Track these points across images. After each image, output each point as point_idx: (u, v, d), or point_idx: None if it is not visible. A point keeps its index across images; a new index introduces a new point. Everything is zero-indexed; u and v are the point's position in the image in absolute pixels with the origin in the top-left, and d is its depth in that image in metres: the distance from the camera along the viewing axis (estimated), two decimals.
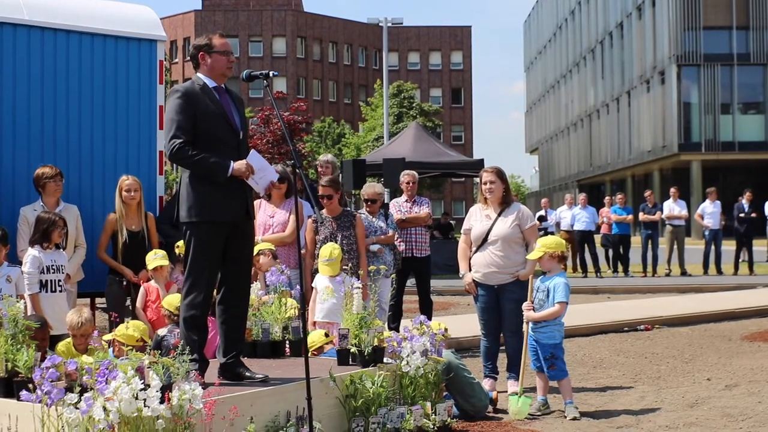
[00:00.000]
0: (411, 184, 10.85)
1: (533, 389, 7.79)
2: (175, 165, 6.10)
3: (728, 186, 44.85)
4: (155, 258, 8.31)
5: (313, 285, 8.38)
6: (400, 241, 10.35)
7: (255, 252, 8.07)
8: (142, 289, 8.32)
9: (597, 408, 7.63)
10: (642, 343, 11.54)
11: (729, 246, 22.75)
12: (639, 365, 9.87)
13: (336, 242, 8.57)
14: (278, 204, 9.06)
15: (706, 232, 21.91)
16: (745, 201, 22.04)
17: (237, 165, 5.82)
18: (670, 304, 15.53)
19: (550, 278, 7.52)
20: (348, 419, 6.09)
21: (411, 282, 10.91)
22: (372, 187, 9.86)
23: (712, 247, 21.73)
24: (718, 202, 22.06)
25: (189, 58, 6.23)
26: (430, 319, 7.85)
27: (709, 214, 21.87)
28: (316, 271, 8.51)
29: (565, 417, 7.22)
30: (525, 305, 7.55)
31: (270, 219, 8.95)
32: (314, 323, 8.10)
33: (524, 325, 7.58)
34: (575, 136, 71.41)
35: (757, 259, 22.84)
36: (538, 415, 7.35)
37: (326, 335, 7.52)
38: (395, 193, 20.90)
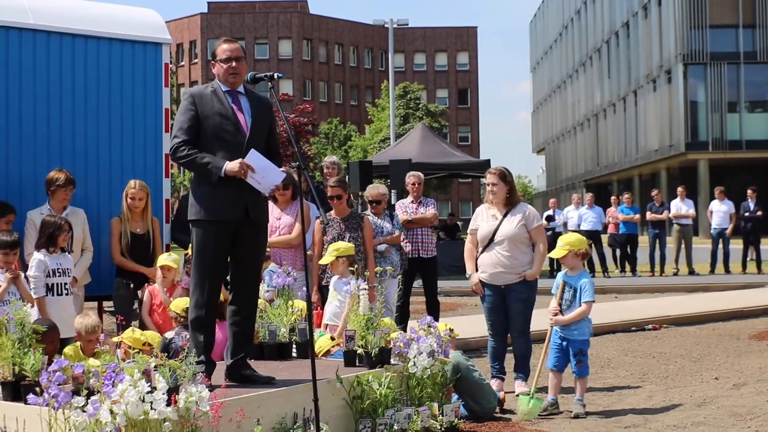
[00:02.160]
0: (417, 185, 10.85)
1: (543, 389, 7.79)
2: (181, 168, 6.19)
3: (736, 185, 44.71)
4: (166, 258, 8.35)
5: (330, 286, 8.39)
6: (406, 242, 10.34)
7: None
8: (147, 293, 8.34)
9: (605, 407, 7.62)
10: (650, 343, 11.52)
11: (737, 245, 22.70)
12: (647, 365, 9.85)
13: None
14: (285, 207, 9.07)
15: (713, 231, 21.89)
16: (750, 199, 22.00)
17: (230, 165, 5.84)
18: (677, 303, 15.51)
19: (576, 277, 7.54)
20: (355, 420, 6.08)
21: (417, 283, 10.91)
22: (376, 188, 9.85)
23: (720, 246, 21.68)
24: (729, 201, 22.02)
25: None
26: (437, 320, 7.87)
27: (716, 212, 21.84)
28: (323, 272, 8.53)
29: (570, 412, 7.25)
30: (552, 309, 7.54)
31: (276, 221, 8.97)
32: (326, 326, 8.10)
33: (549, 327, 7.58)
34: (582, 135, 71.34)
35: (765, 258, 22.76)
36: (545, 415, 7.36)
37: (332, 338, 7.53)
38: (401, 194, 20.89)
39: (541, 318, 7.86)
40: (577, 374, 7.47)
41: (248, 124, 6.08)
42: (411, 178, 10.96)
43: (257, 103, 6.19)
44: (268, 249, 8.62)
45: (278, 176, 6.04)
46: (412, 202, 10.81)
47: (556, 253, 7.66)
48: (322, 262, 8.29)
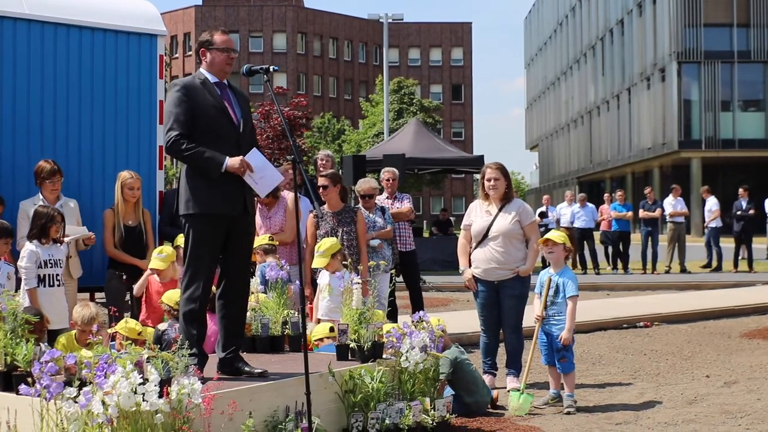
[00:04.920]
0: (391, 181, 10.85)
1: (534, 385, 7.79)
2: (174, 160, 6.13)
3: (728, 183, 44.85)
4: (156, 258, 8.28)
5: (318, 281, 8.38)
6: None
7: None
8: (145, 277, 8.31)
9: (596, 404, 7.64)
10: (641, 340, 11.54)
11: (728, 243, 22.77)
12: (638, 362, 9.87)
13: (336, 237, 8.56)
14: (275, 203, 9.06)
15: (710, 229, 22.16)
16: (741, 198, 22.08)
17: (231, 161, 5.80)
18: (669, 301, 15.53)
19: (558, 274, 7.60)
20: (347, 414, 6.08)
21: (398, 278, 10.89)
22: (367, 182, 9.82)
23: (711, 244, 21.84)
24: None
25: (196, 53, 6.27)
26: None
27: (708, 211, 22.10)
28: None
29: (562, 407, 7.32)
30: (537, 315, 7.58)
31: (267, 220, 8.96)
32: (318, 320, 8.10)
33: (536, 323, 7.61)
34: (575, 132, 71.39)
35: (757, 257, 22.84)
36: (543, 407, 7.43)
37: (331, 330, 7.52)
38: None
39: (534, 322, 7.86)
40: (562, 370, 7.49)
41: (238, 117, 6.05)
42: (385, 174, 10.95)
43: (240, 97, 6.18)
44: (275, 242, 8.63)
45: (276, 178, 6.01)
46: (387, 197, 10.81)
47: (556, 237, 7.65)
48: (316, 265, 8.27)
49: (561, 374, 7.51)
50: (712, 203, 22.54)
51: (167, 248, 8.41)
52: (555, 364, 7.56)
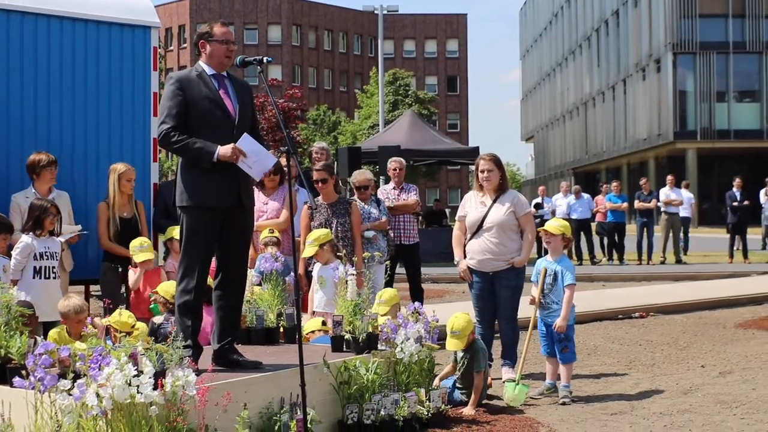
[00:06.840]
0: (398, 171, 10.83)
1: (529, 376, 7.80)
2: (169, 152, 6.12)
3: (723, 174, 44.91)
4: (139, 252, 8.28)
5: (313, 273, 8.38)
6: (388, 228, 10.33)
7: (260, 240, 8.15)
8: (140, 273, 8.31)
9: (591, 394, 7.65)
10: (636, 331, 11.55)
11: (723, 234, 22.78)
12: (633, 352, 9.88)
13: (331, 229, 8.55)
14: (271, 192, 9.04)
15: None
16: (736, 189, 22.09)
17: (223, 150, 5.79)
18: (664, 291, 15.55)
19: (556, 262, 7.64)
20: (342, 406, 6.09)
21: (401, 270, 10.88)
22: (363, 173, 9.81)
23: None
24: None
25: (194, 45, 6.27)
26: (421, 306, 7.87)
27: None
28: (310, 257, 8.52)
29: (557, 397, 7.34)
30: (532, 299, 7.60)
31: (263, 206, 8.95)
32: (314, 312, 8.09)
33: (533, 312, 7.63)
34: (571, 124, 71.41)
35: (752, 247, 22.86)
36: (538, 398, 7.45)
37: (324, 323, 7.52)
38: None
39: (529, 305, 7.88)
40: (562, 360, 7.51)
41: (235, 108, 6.04)
42: (393, 163, 10.93)
43: (241, 87, 6.16)
44: (277, 234, 8.61)
45: (270, 161, 5.99)
46: (394, 188, 10.80)
47: (554, 228, 7.68)
48: (305, 255, 8.27)
49: (560, 364, 7.52)
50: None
51: (142, 239, 8.52)
52: (554, 355, 7.57)
